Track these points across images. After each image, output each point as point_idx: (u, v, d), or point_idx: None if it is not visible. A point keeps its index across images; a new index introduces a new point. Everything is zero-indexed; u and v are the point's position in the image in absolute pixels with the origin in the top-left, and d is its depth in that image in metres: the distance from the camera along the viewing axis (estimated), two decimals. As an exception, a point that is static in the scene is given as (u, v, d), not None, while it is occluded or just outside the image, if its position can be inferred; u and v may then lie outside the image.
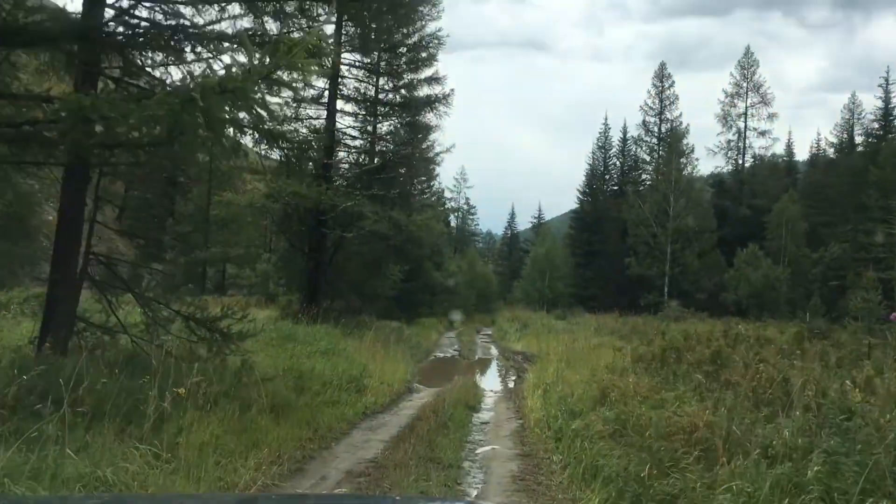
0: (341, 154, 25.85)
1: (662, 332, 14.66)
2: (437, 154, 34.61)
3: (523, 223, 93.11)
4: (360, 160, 25.73)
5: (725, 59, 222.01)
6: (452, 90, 25.54)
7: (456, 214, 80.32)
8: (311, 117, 24.94)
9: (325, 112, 24.79)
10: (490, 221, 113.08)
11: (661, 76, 61.00)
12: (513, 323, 36.78)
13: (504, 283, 73.20)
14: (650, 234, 54.13)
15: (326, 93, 24.77)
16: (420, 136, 26.21)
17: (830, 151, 63.45)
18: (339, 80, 24.96)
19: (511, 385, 19.16)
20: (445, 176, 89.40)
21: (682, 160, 55.17)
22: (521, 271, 65.35)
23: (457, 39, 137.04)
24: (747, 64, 62.43)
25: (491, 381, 20.44)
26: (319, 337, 15.68)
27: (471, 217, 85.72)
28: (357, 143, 25.61)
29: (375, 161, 25.53)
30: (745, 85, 62.42)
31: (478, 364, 25.58)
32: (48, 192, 10.47)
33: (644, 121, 61.21)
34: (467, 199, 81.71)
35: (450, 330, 39.86)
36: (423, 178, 33.67)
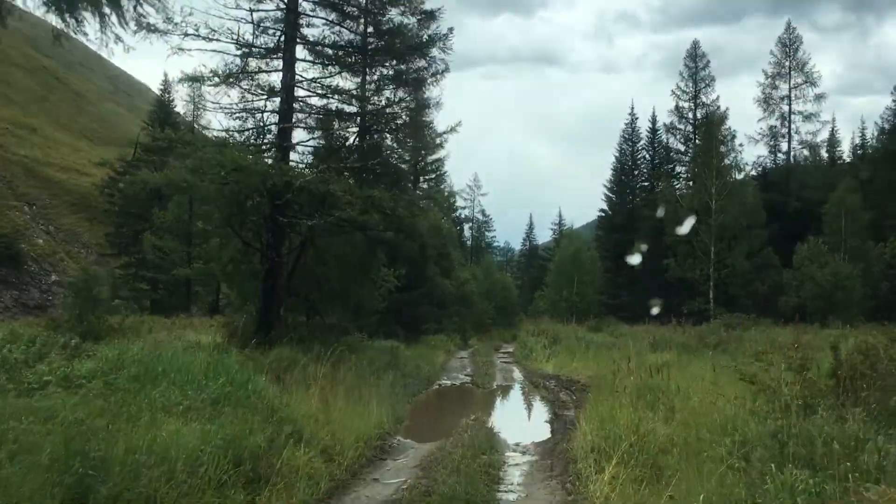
0: (305, 118, 19.41)
1: (833, 347, 8.00)
2: (441, 135, 28.36)
3: (542, 236, 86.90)
4: (329, 125, 19.28)
5: (737, 67, 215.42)
6: (451, 29, 19.06)
7: (470, 224, 73.91)
8: (262, 69, 18.57)
9: (281, 62, 18.42)
10: (507, 235, 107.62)
11: (695, 55, 54.38)
12: (539, 338, 30.15)
13: (524, 296, 66.57)
14: (693, 233, 47.23)
15: (282, 38, 18.40)
16: (410, 91, 19.72)
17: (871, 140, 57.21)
18: (300, 19, 18.61)
19: (549, 433, 12.53)
20: (458, 181, 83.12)
21: (723, 148, 48.34)
22: (543, 281, 58.63)
23: (467, 57, 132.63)
24: (789, 41, 55.73)
25: (516, 427, 13.82)
26: (220, 373, 9.11)
27: (487, 229, 79.12)
28: (325, 102, 19.17)
29: (345, 127, 19.12)
30: (787, 64, 55.72)
31: (496, 396, 18.99)
32: None
33: (677, 106, 54.53)
34: (482, 209, 75.14)
35: (462, 349, 33.25)
36: (421, 157, 27.28)
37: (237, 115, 18.97)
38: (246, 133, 19.25)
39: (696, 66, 54.06)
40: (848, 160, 60.16)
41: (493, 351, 33.45)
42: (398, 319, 27.24)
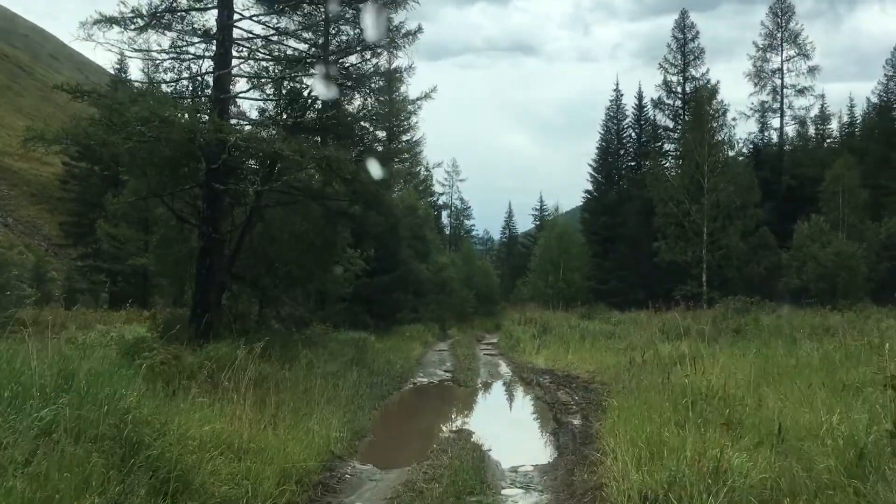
0: (244, 67, 16.20)
1: None
2: (415, 102, 25.32)
3: (521, 225, 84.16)
4: (275, 72, 16.08)
5: (713, 54, 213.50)
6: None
7: (449, 212, 70.67)
8: (193, 7, 15.34)
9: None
10: (486, 225, 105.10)
11: (683, 26, 51.44)
12: (526, 326, 27.18)
13: (506, 284, 63.63)
14: (682, 213, 44.52)
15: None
16: (374, 38, 16.53)
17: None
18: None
19: (555, 450, 9.54)
20: (435, 168, 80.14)
21: (714, 123, 45.60)
22: (525, 268, 55.69)
23: (443, 46, 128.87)
24: (781, 10, 53.05)
25: (510, 440, 10.82)
26: (73, 385, 5.98)
27: (466, 216, 75.84)
28: (272, 48, 15.96)
29: (297, 77, 15.97)
30: (779, 35, 53.03)
31: (482, 396, 16.00)
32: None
33: (665, 80, 51.59)
34: (461, 196, 71.84)
35: (442, 340, 30.21)
36: (394, 126, 24.26)
37: (168, 65, 15.80)
38: (180, 85, 16.07)
39: (684, 38, 51.20)
40: (836, 139, 57.93)
41: (476, 342, 30.46)
42: (368, 308, 24.15)
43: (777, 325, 18.63)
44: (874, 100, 54.52)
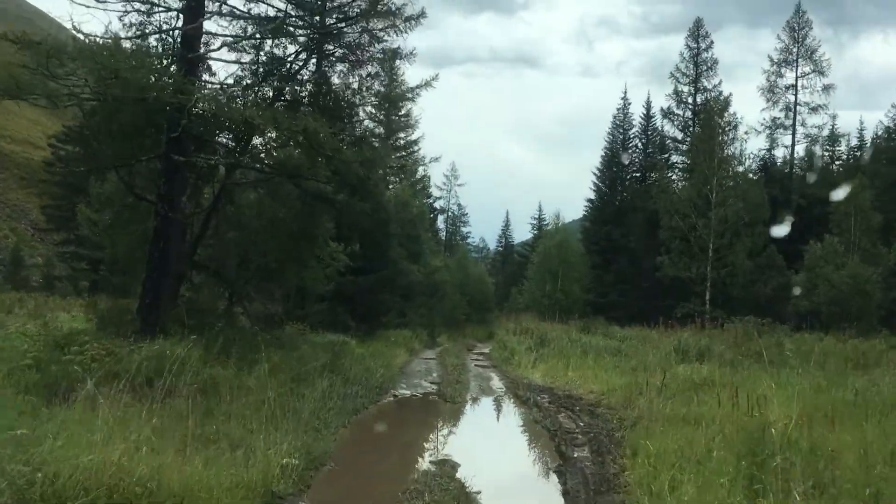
0: (220, 25, 14.21)
1: None
2: (414, 90, 23.48)
3: (518, 235, 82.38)
4: (254, 34, 14.10)
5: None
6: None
7: (445, 216, 68.51)
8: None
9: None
10: (483, 233, 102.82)
11: (697, 35, 49.68)
12: (522, 337, 25.14)
13: (500, 293, 61.60)
14: (688, 227, 42.66)
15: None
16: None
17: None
18: None
19: (561, 497, 7.52)
20: (434, 173, 78.23)
21: (726, 136, 43.80)
22: (521, 276, 53.70)
23: (447, 54, 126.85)
24: (798, 25, 51.29)
25: (505, 480, 8.79)
26: None
27: (462, 223, 73.61)
28: (250, 6, 13.98)
29: (281, 43, 14.02)
30: (794, 50, 51.26)
31: (470, 416, 13.97)
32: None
33: (675, 90, 49.78)
34: (458, 202, 69.63)
35: (430, 347, 28.18)
36: (391, 112, 22.34)
37: (133, 19, 13.82)
38: (146, 46, 14.06)
39: (697, 48, 49.44)
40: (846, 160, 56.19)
41: (467, 351, 28.44)
42: (351, 309, 22.13)
43: (803, 350, 16.66)
44: (886, 122, 52.90)
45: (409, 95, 23.14)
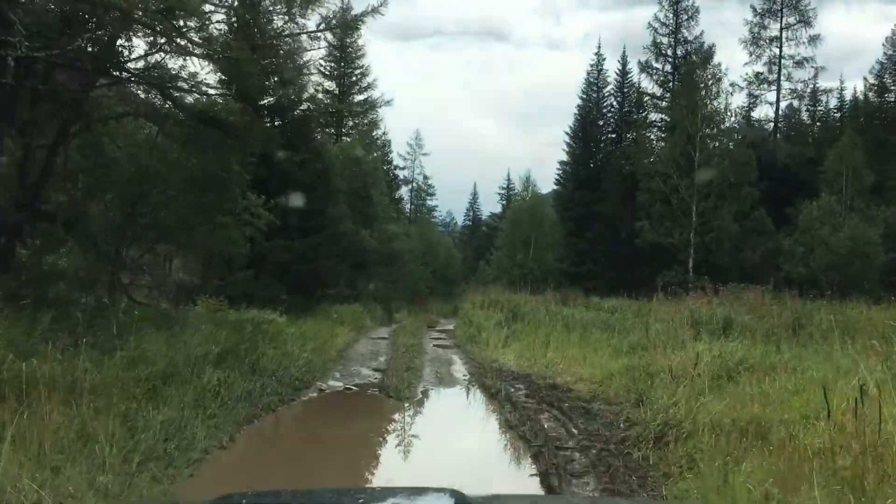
0: None
1: None
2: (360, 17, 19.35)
3: (486, 209, 78.69)
4: None
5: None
6: None
7: (410, 187, 64.00)
8: None
9: None
10: (451, 208, 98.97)
11: (676, -20, 45.93)
12: (491, 311, 21.45)
13: (468, 267, 57.90)
14: (670, 189, 39.30)
15: None
16: None
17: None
18: None
19: None
20: (397, 143, 73.93)
21: (709, 89, 40.34)
22: (490, 247, 50.03)
23: (415, 28, 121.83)
24: (783, -29, 47.87)
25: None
26: None
27: (428, 194, 68.88)
28: None
29: None
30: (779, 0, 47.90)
31: (419, 418, 10.22)
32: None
33: (654, 41, 46.04)
34: (423, 173, 64.77)
35: (384, 324, 24.40)
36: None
37: None
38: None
39: (678, -6, 45.76)
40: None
41: (427, 328, 24.72)
42: (283, 279, 18.23)
43: (842, 322, 13.17)
44: (872, 80, 49.74)
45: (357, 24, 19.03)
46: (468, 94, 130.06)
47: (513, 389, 11.21)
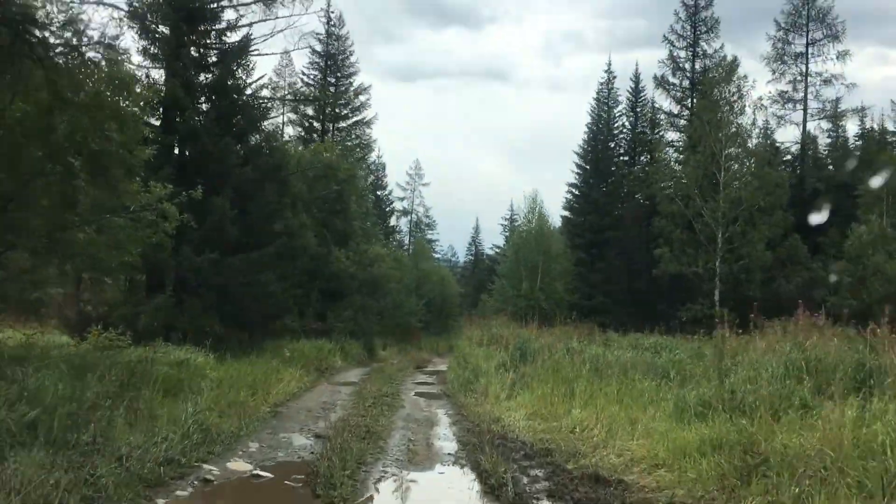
0: None
1: None
2: None
3: (488, 242, 74.99)
4: None
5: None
6: None
7: (409, 218, 59.48)
8: None
9: None
10: (452, 243, 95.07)
11: (693, -9, 42.23)
12: (492, 349, 16.94)
13: (469, 300, 53.47)
14: (693, 213, 35.12)
15: None
16: None
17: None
18: None
19: None
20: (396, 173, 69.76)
21: (733, 104, 36.30)
22: (493, 277, 45.61)
23: (417, 68, 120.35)
24: (807, -17, 44.11)
25: None
26: None
27: (429, 228, 64.18)
28: None
29: None
30: (804, 13, 44.01)
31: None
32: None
33: (671, 55, 42.11)
34: (423, 203, 60.05)
35: (361, 365, 19.84)
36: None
37: None
38: None
39: (695, 4, 42.01)
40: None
41: (413, 369, 20.16)
42: (218, 306, 13.79)
43: None
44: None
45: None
46: (471, 133, 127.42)
47: (526, 480, 6.78)
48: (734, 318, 27.69)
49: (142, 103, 9.78)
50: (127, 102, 9.10)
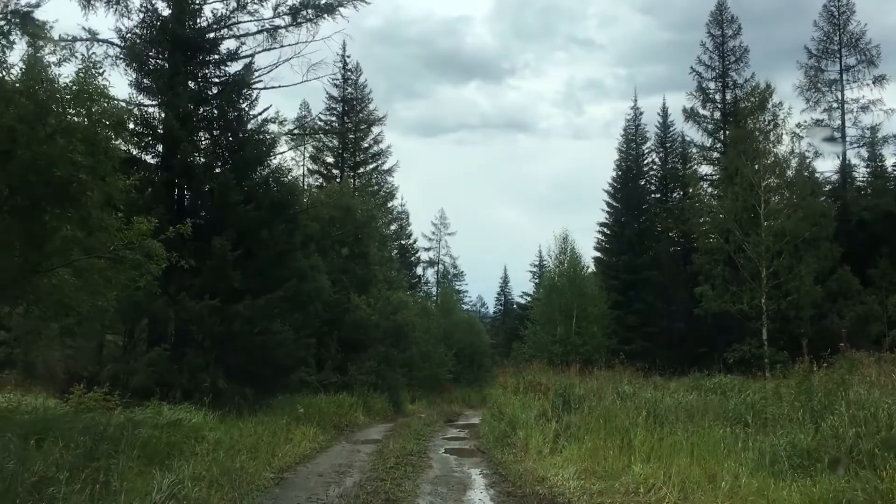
0: None
1: None
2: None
3: (518, 291, 73.15)
4: None
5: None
6: None
7: (435, 269, 57.83)
8: None
9: None
10: (481, 293, 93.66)
11: (720, 21, 41.12)
12: (529, 398, 15.22)
13: (501, 351, 51.57)
14: (734, 247, 33.34)
15: None
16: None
17: None
18: None
19: None
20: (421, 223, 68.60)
21: (768, 133, 34.75)
22: (524, 325, 43.79)
23: (438, 124, 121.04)
24: (837, 10, 42.79)
25: None
26: None
27: (457, 279, 62.20)
28: None
29: None
30: (836, 39, 42.64)
31: None
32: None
33: (700, 86, 40.84)
34: (450, 254, 58.26)
35: (387, 420, 18.23)
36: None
37: None
38: None
39: (722, 35, 40.86)
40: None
41: (444, 424, 18.47)
42: (221, 359, 12.37)
43: None
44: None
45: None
46: (495, 184, 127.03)
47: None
48: (784, 358, 25.58)
49: (117, 123, 8.51)
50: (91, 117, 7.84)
